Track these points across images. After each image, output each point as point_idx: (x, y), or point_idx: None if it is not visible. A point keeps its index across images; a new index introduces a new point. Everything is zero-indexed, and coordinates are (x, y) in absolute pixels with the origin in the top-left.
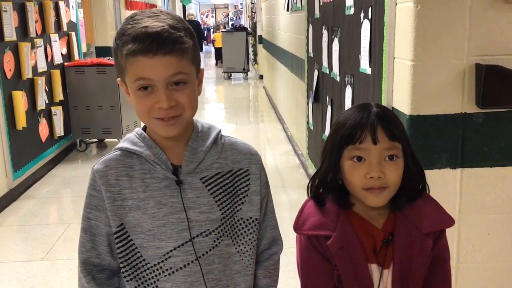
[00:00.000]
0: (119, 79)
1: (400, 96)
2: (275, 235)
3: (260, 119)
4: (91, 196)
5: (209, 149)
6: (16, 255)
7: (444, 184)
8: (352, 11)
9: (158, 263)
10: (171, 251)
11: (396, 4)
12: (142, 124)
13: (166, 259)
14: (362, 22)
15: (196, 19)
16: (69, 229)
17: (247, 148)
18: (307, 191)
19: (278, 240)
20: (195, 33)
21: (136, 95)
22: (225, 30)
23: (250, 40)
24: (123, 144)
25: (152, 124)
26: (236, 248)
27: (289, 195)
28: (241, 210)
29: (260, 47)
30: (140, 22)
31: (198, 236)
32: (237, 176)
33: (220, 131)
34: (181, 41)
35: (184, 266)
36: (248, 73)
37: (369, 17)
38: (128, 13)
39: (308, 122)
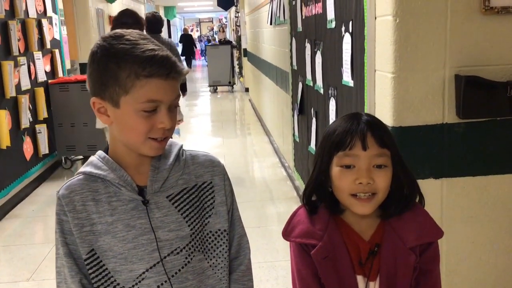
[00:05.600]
0: (95, 98)
1: (382, 108)
2: (241, 243)
3: (247, 132)
4: (63, 222)
5: (172, 167)
6: (1, 276)
7: (428, 194)
8: (333, 24)
9: (133, 286)
10: (143, 273)
11: (375, 18)
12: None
13: (139, 281)
14: (344, 35)
15: (189, 33)
16: (55, 248)
17: (208, 159)
18: (301, 199)
19: (244, 249)
20: (188, 45)
21: (139, 115)
22: (210, 44)
23: (235, 53)
24: (86, 168)
25: (145, 144)
26: (208, 262)
27: (277, 208)
28: (209, 223)
29: (245, 60)
30: (140, 44)
31: (169, 255)
32: (202, 190)
33: (181, 146)
34: (181, 66)
35: (158, 287)
36: (234, 86)
37: (350, 30)
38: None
39: (294, 135)
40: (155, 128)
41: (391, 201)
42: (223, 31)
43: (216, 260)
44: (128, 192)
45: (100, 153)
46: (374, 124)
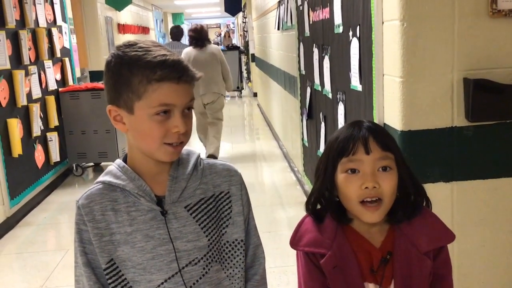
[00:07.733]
0: (110, 106)
1: (391, 112)
2: (257, 252)
3: (255, 137)
4: (82, 231)
5: (190, 176)
6: (15, 284)
7: (438, 198)
8: (341, 29)
9: None
10: (162, 283)
11: (383, 23)
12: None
13: None
14: (351, 40)
15: None
16: (68, 255)
17: (226, 169)
18: (305, 208)
19: (259, 258)
20: None
21: (153, 120)
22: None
23: (243, 58)
24: (105, 177)
25: (160, 149)
26: (225, 273)
27: (287, 212)
28: (226, 233)
29: (253, 65)
30: (152, 50)
31: (187, 266)
32: (219, 200)
33: (199, 155)
34: (193, 71)
35: None
36: (242, 91)
37: (358, 35)
38: (122, 36)
39: (302, 139)
40: (169, 133)
41: (398, 206)
42: (229, 37)
43: (233, 270)
44: (147, 202)
45: (118, 162)
46: (376, 129)
